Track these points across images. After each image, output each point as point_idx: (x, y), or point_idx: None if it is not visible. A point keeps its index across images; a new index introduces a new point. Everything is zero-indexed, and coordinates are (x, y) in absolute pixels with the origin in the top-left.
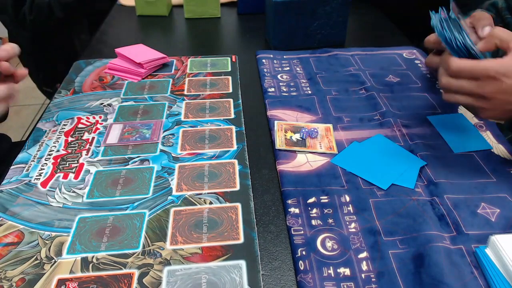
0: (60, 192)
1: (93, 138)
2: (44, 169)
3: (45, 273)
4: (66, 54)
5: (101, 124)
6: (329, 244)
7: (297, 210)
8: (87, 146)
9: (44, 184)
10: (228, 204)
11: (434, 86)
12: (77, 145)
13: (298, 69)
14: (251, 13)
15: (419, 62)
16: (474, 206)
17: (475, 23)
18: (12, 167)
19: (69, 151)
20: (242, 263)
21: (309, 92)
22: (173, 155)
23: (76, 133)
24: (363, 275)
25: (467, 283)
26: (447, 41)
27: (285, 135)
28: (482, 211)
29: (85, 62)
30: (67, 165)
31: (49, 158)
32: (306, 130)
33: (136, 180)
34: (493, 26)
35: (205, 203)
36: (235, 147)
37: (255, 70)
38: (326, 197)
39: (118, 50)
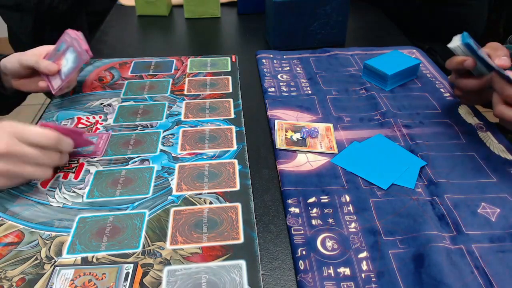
0: (60, 192)
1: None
2: None
3: (45, 273)
4: None
5: (101, 124)
6: (329, 244)
7: (297, 210)
8: None
9: (44, 184)
10: (228, 204)
11: (435, 86)
12: None
13: (298, 69)
14: (251, 13)
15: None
16: (474, 206)
17: (491, 52)
18: None
19: None
20: (242, 263)
21: (309, 92)
22: (173, 155)
23: None
24: (363, 275)
25: (467, 283)
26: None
27: (285, 135)
28: (482, 211)
29: None
30: (67, 164)
31: None
32: (307, 129)
33: (136, 180)
34: (509, 56)
35: (205, 203)
36: (235, 147)
37: (255, 70)
38: (326, 197)
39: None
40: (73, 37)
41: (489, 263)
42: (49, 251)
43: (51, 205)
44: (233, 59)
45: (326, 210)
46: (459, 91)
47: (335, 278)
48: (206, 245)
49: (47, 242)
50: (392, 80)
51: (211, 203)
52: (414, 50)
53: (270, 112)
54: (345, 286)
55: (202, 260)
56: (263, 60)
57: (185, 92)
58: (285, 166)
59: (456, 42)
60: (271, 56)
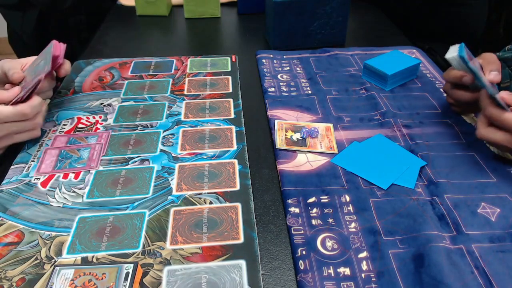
0: (60, 192)
1: None
2: None
3: (45, 273)
4: (66, 53)
5: (101, 124)
6: (329, 243)
7: (297, 210)
8: None
9: (44, 184)
10: (228, 204)
11: (434, 86)
12: None
13: (298, 69)
14: (251, 13)
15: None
16: (474, 206)
17: (484, 65)
18: (12, 167)
19: None
20: (242, 263)
21: (309, 92)
22: (173, 155)
23: (76, 133)
24: (363, 275)
25: (467, 283)
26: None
27: (285, 135)
28: (482, 211)
29: (85, 62)
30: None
31: None
32: (307, 129)
33: (136, 180)
34: (500, 71)
35: (205, 203)
36: (235, 147)
37: (255, 70)
38: (326, 196)
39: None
40: (47, 50)
41: (489, 263)
42: (49, 251)
43: (51, 205)
44: (233, 59)
45: (326, 210)
46: (451, 99)
47: (335, 278)
48: (206, 245)
49: (47, 242)
50: (392, 80)
51: (211, 203)
52: (414, 50)
53: (270, 112)
54: (345, 286)
55: (202, 260)
56: (263, 60)
57: (185, 92)
58: (285, 166)
59: (452, 53)
60: (271, 56)
